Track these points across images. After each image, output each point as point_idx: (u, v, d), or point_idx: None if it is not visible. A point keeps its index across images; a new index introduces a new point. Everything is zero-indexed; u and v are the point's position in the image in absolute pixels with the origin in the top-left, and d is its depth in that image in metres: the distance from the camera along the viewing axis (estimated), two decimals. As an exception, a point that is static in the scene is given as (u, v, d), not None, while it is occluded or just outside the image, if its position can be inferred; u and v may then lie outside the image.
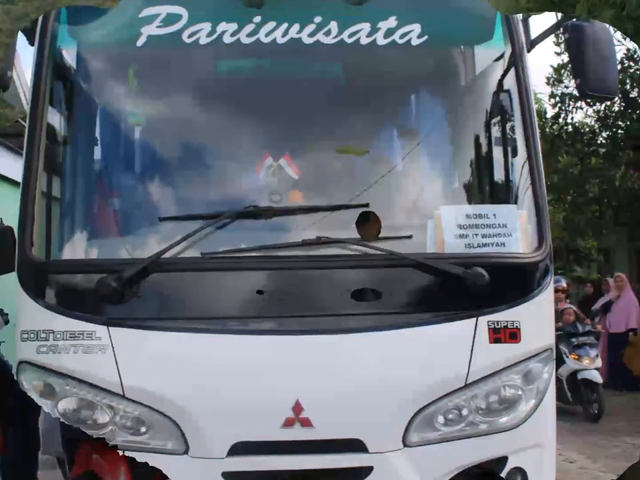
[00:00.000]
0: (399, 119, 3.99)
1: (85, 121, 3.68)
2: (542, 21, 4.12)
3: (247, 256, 3.23)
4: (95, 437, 3.10)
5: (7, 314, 5.21)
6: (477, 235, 3.28)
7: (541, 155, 3.50)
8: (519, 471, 3.30)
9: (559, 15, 6.70)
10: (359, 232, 3.28)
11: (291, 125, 3.69)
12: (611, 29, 4.14)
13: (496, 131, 3.73)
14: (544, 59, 16.49)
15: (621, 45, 12.35)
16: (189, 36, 3.41)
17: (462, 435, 3.18)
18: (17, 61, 3.62)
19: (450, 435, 3.17)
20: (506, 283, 3.26)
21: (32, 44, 3.51)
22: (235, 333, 3.13)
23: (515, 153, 3.61)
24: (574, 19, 3.70)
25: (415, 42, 3.47)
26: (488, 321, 3.17)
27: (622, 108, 13.74)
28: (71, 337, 3.09)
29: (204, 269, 3.18)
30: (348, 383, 3.06)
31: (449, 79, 3.89)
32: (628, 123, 13.68)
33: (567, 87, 14.39)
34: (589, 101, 13.24)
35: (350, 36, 3.45)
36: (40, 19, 3.50)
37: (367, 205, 3.36)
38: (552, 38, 11.14)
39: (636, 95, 13.36)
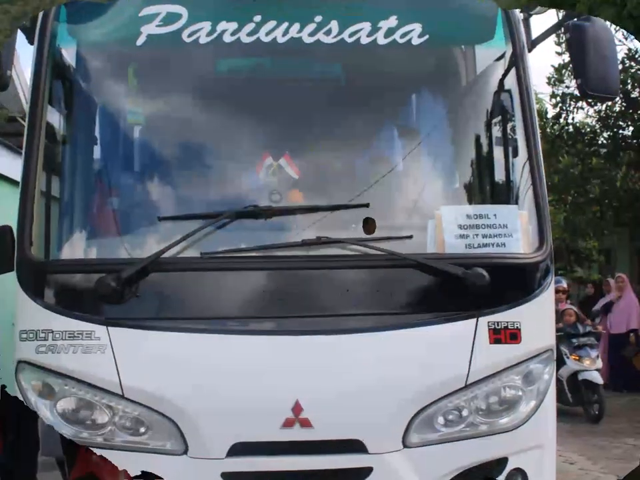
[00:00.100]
0: (399, 118, 3.99)
1: (84, 121, 3.68)
2: (543, 20, 4.11)
3: (247, 256, 3.23)
4: (94, 437, 3.10)
5: None
6: (477, 235, 3.27)
7: (541, 155, 3.50)
8: (519, 472, 3.29)
9: (560, 13, 6.67)
10: (364, 230, 3.29)
11: (291, 125, 3.68)
12: (612, 28, 4.13)
13: (496, 131, 3.72)
14: (545, 59, 16.52)
15: (622, 45, 12.38)
16: (189, 35, 3.41)
17: (462, 435, 3.17)
18: (16, 59, 3.61)
19: (450, 436, 3.17)
20: (506, 283, 3.26)
21: (31, 43, 3.50)
22: (235, 333, 3.13)
23: (515, 153, 3.61)
24: (575, 19, 3.68)
25: (416, 41, 3.47)
26: (488, 322, 3.17)
27: (623, 108, 13.73)
28: (70, 337, 3.08)
29: (203, 268, 3.17)
30: (348, 384, 3.06)
31: (449, 78, 3.88)
32: (629, 123, 13.67)
33: (567, 87, 14.40)
34: (590, 101, 13.23)
35: (350, 35, 3.44)
36: (39, 17, 3.49)
37: (367, 205, 3.36)
38: (553, 37, 11.15)
39: (637, 95, 13.35)
